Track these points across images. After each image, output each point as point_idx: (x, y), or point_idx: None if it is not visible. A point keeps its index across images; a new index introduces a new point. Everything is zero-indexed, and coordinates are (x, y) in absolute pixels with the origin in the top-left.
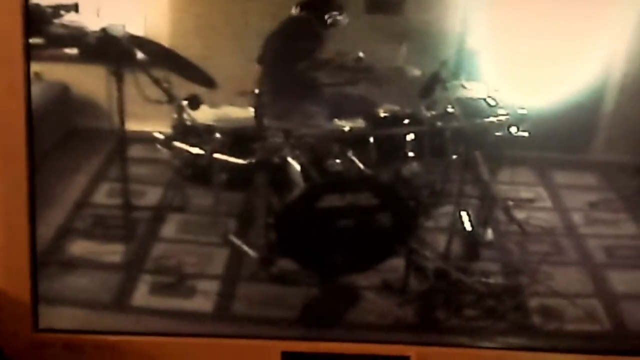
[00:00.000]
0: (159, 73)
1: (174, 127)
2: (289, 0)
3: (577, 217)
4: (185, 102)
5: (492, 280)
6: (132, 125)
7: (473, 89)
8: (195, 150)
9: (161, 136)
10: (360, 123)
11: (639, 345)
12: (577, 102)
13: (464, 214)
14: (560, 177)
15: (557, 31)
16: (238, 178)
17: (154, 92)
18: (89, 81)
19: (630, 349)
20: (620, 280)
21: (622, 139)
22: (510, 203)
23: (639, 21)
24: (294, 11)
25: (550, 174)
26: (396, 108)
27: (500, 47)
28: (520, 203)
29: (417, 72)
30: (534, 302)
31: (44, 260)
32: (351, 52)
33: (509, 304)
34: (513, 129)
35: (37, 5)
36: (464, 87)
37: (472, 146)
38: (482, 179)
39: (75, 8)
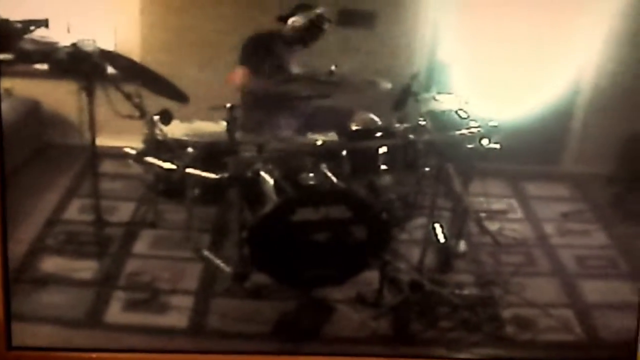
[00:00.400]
0: (130, 88)
1: (146, 142)
2: (260, 17)
3: (549, 228)
4: (156, 117)
5: (466, 292)
6: (103, 141)
7: (445, 102)
8: (168, 165)
9: (133, 151)
10: (333, 136)
11: (612, 354)
12: (548, 115)
13: (437, 226)
14: (532, 189)
15: (528, 46)
16: (211, 193)
17: (126, 107)
18: (60, 97)
19: (602, 358)
20: (592, 290)
21: (592, 151)
22: (483, 215)
23: (606, 38)
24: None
25: (522, 185)
26: (370, 116)
27: (471, 60)
28: (493, 215)
29: (388, 85)
30: (507, 313)
31: (16, 277)
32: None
33: (484, 315)
34: (485, 142)
35: (6, 21)
36: (435, 99)
37: (444, 158)
38: (455, 191)
39: (45, 23)
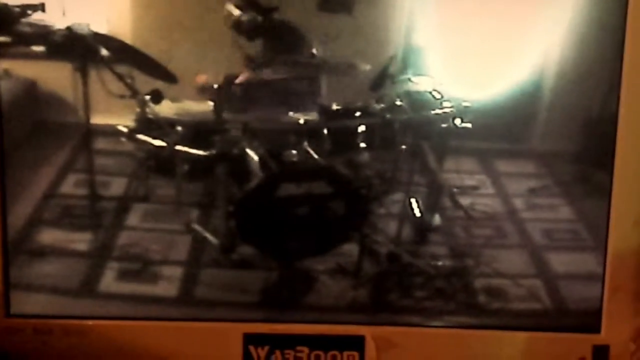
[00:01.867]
0: (122, 69)
1: (137, 121)
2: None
3: (518, 203)
4: (147, 97)
5: (440, 263)
6: (97, 119)
7: (420, 83)
8: (158, 142)
9: (125, 129)
10: (314, 116)
11: (577, 322)
12: (516, 96)
13: (413, 201)
14: (502, 166)
15: (498, 30)
16: (199, 169)
17: (118, 87)
18: (56, 77)
19: (569, 326)
20: (558, 261)
21: (559, 130)
22: (456, 190)
23: (573, 15)
24: None
25: (492, 162)
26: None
27: (445, 44)
28: (465, 190)
29: (367, 67)
30: (479, 283)
31: (14, 249)
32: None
33: (457, 285)
34: (457, 121)
35: (5, 5)
36: (411, 81)
37: (419, 137)
38: (430, 168)
39: (41, 8)
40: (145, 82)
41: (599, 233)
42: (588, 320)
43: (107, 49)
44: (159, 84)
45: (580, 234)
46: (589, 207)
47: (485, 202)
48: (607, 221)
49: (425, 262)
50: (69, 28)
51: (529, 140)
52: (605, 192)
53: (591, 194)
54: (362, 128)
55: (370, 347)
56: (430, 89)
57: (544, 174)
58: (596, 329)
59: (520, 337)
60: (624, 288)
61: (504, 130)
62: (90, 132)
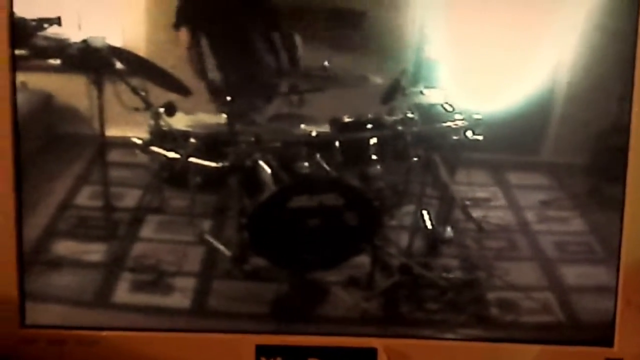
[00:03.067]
0: (136, 82)
1: (151, 133)
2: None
3: (530, 215)
4: (161, 109)
5: (452, 275)
6: (111, 132)
7: (431, 96)
8: (172, 154)
9: (139, 141)
10: (326, 128)
11: (590, 335)
12: (528, 108)
13: (425, 213)
14: (514, 178)
15: (509, 42)
16: (212, 181)
17: (132, 100)
18: (71, 90)
19: (581, 339)
20: (571, 274)
21: (570, 142)
22: (468, 202)
23: (583, 29)
24: None
25: (504, 174)
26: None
27: (456, 57)
28: (477, 202)
29: (379, 80)
30: (491, 296)
31: (30, 259)
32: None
33: (469, 298)
34: (469, 133)
35: (23, 19)
36: (422, 93)
37: (431, 149)
38: (441, 180)
39: (58, 21)
40: (159, 95)
41: (612, 246)
42: (601, 333)
43: (122, 62)
44: (172, 97)
45: (593, 247)
46: (601, 220)
47: (497, 214)
48: (620, 234)
49: (437, 275)
50: (84, 41)
51: (541, 152)
52: (617, 205)
53: (603, 207)
54: (373, 140)
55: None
56: (441, 102)
57: (556, 187)
58: (609, 343)
59: (533, 350)
60: (637, 301)
61: (516, 142)
62: (105, 145)
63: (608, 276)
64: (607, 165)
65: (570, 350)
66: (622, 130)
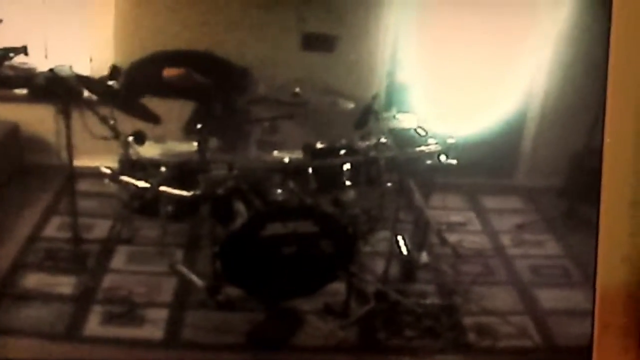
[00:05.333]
0: (105, 111)
1: (121, 162)
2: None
3: (505, 239)
4: (130, 138)
5: (428, 301)
6: (80, 161)
7: (404, 120)
8: (142, 183)
9: (108, 171)
10: (299, 154)
11: (567, 358)
12: (501, 132)
13: (400, 238)
14: (488, 202)
15: (481, 67)
16: (184, 209)
17: (101, 129)
18: (38, 119)
19: None
20: (547, 298)
21: (544, 165)
22: (443, 227)
23: (555, 53)
24: None
25: (479, 198)
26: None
27: (429, 80)
28: (452, 227)
29: (350, 105)
30: (468, 321)
31: None
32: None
33: (446, 323)
34: (442, 157)
35: None
36: (395, 118)
37: (405, 174)
38: (416, 204)
39: (24, 50)
40: (128, 124)
41: (587, 269)
42: (579, 357)
43: (90, 90)
44: (142, 125)
45: (569, 270)
46: (577, 243)
47: (472, 238)
48: (595, 257)
49: (413, 301)
50: (51, 70)
51: (515, 175)
52: (592, 227)
53: (578, 229)
54: (347, 166)
55: None
56: (415, 126)
57: (531, 210)
58: None
59: None
60: (614, 324)
61: (490, 166)
62: (73, 175)
63: (585, 300)
64: (581, 187)
65: None
66: (595, 152)
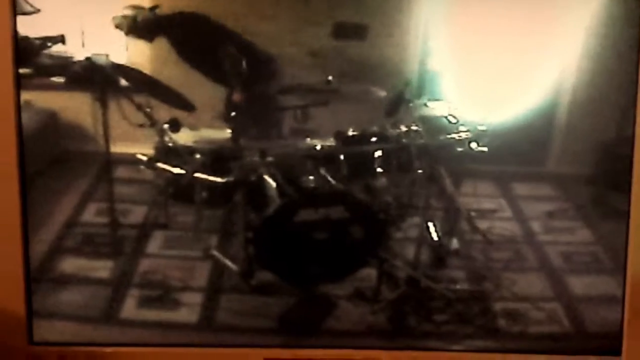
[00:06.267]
0: (141, 98)
1: (157, 149)
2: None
3: (536, 226)
4: (166, 126)
5: (459, 287)
6: (117, 148)
7: (435, 108)
8: (177, 170)
9: (144, 158)
10: (330, 141)
11: (597, 345)
12: (532, 119)
13: (430, 225)
14: (519, 189)
15: (512, 54)
16: (218, 195)
17: (137, 116)
18: (76, 107)
19: (589, 349)
20: (578, 284)
21: (575, 152)
22: (474, 214)
23: (586, 40)
24: None
25: (509, 186)
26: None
27: (460, 68)
28: (483, 214)
29: (382, 93)
30: (498, 307)
31: (37, 276)
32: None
33: (476, 309)
34: (473, 145)
35: (27, 38)
36: (426, 106)
37: (436, 161)
38: (447, 191)
39: (62, 40)
40: (164, 111)
41: (618, 255)
42: (608, 343)
43: (126, 78)
44: (177, 113)
45: (599, 257)
46: (608, 230)
47: (503, 225)
48: (626, 243)
49: (443, 286)
50: (88, 59)
51: (546, 163)
52: (623, 215)
53: (609, 217)
54: (378, 153)
55: None
56: (445, 114)
57: (562, 197)
58: (617, 352)
59: None
60: None
61: (521, 153)
62: (110, 161)
63: (615, 286)
64: (612, 175)
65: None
66: (627, 139)
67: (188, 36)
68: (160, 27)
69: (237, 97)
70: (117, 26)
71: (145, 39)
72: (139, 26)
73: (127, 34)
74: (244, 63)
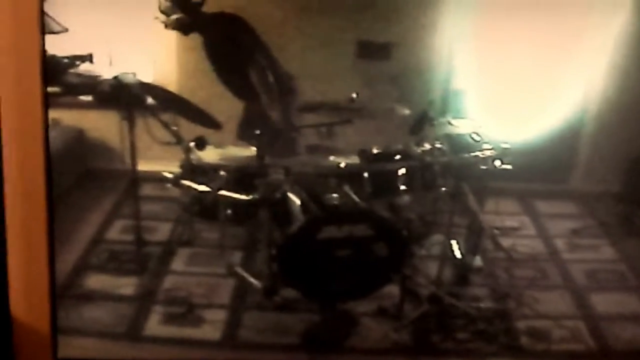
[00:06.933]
0: (167, 117)
1: (182, 167)
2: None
3: (559, 244)
4: (192, 144)
5: (482, 305)
6: (143, 166)
7: (459, 126)
8: (202, 187)
9: (170, 175)
10: (354, 159)
11: None
12: (557, 137)
13: (453, 242)
14: (543, 207)
15: (537, 72)
16: (242, 213)
17: (164, 134)
18: (103, 126)
19: None
20: (601, 302)
21: (599, 170)
22: (497, 231)
23: (612, 58)
24: None
25: (533, 203)
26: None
27: (484, 87)
28: (506, 231)
29: (406, 111)
30: (522, 325)
31: (62, 293)
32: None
33: (499, 327)
34: (497, 162)
35: (55, 57)
36: (450, 124)
37: (459, 179)
38: (470, 209)
39: (89, 58)
40: (190, 129)
41: None
42: None
43: (153, 97)
44: (203, 131)
45: (623, 275)
46: (632, 247)
47: (526, 243)
48: None
49: (466, 304)
50: (115, 78)
51: (570, 180)
52: None
53: (634, 234)
54: (402, 171)
55: None
56: (469, 132)
57: (586, 215)
58: None
59: None
60: None
61: (544, 171)
62: (136, 179)
63: (639, 304)
64: (638, 192)
65: None
66: None
67: (221, 38)
68: (198, 23)
69: (263, 112)
70: (163, 12)
71: (181, 32)
72: (180, 18)
73: (165, 23)
74: (270, 77)
